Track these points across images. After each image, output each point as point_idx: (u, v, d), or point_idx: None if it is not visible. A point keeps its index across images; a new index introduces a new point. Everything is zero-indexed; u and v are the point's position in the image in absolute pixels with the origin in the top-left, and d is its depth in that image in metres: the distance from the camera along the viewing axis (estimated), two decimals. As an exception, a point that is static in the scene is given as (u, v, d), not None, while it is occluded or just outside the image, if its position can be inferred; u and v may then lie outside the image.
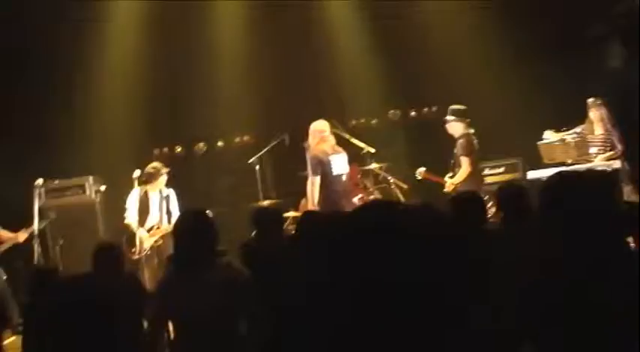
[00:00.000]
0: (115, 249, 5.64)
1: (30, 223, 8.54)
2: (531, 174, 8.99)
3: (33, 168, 9.48)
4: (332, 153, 8.27)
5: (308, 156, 8.29)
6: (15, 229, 8.57)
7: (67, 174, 9.87)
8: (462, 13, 10.56)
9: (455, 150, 8.62)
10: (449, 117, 8.69)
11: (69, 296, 3.79)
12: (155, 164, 8.77)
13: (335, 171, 8.21)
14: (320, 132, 8.37)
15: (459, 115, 8.66)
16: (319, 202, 8.04)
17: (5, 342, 5.64)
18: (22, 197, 8.87)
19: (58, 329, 3.59)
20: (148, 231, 8.56)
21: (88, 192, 9.77)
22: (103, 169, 10.14)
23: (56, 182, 9.69)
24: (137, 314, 4.74)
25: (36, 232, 8.49)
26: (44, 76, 10.38)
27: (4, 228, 8.56)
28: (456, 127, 8.64)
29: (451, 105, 8.75)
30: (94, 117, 10.61)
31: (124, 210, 8.70)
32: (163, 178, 8.66)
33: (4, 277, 8.29)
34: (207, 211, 7.60)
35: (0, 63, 10.06)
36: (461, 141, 8.57)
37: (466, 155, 8.48)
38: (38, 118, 10.45)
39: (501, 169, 9.69)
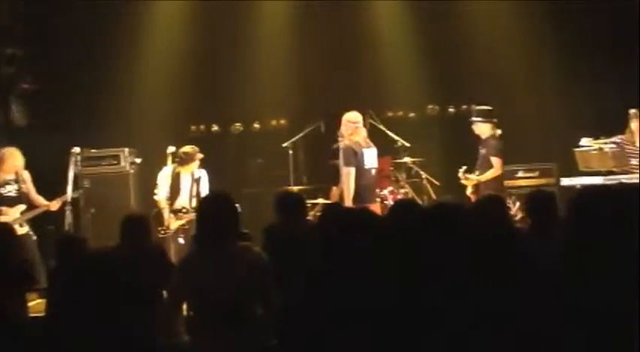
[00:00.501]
0: (143, 221, 5.74)
1: (64, 192, 8.66)
2: (565, 181, 8.91)
3: (72, 137, 9.63)
4: (365, 146, 8.22)
5: (341, 146, 8.28)
6: (50, 194, 8.70)
7: (104, 145, 9.99)
8: (508, 15, 10.49)
9: (481, 151, 8.57)
10: (475, 118, 8.66)
11: (95, 267, 3.89)
12: (189, 148, 8.78)
13: (366, 165, 8.16)
14: (354, 123, 8.32)
15: (486, 116, 8.63)
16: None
17: (30, 304, 5.75)
18: (59, 164, 9.00)
19: (81, 297, 3.70)
20: (176, 212, 8.66)
21: (122, 163, 9.85)
22: (140, 142, 10.26)
23: (92, 151, 9.80)
24: (160, 284, 4.84)
25: (69, 200, 8.61)
26: (89, 49, 10.55)
27: (40, 193, 8.70)
28: (482, 128, 8.62)
29: (489, 104, 8.70)
30: (135, 91, 10.77)
31: (155, 184, 8.81)
32: (196, 162, 8.73)
33: (35, 238, 8.44)
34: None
35: (46, 38, 10.25)
36: (491, 142, 8.55)
37: (498, 156, 8.45)
38: (81, 89, 10.65)
39: (535, 173, 9.62)
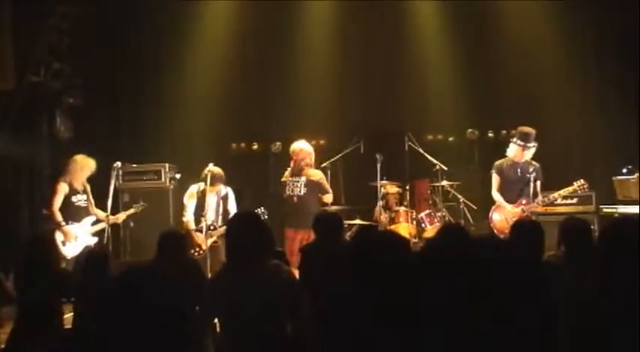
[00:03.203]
0: (180, 237, 5.81)
1: (129, 206, 8.95)
2: (605, 209, 8.82)
3: (114, 151, 9.78)
4: (290, 177, 8.65)
5: None
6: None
7: (145, 160, 10.14)
8: (552, 42, 10.47)
9: (529, 175, 8.22)
10: (533, 143, 8.31)
11: (125, 282, 3.91)
12: (210, 168, 8.65)
13: (286, 193, 8.62)
14: (293, 154, 8.78)
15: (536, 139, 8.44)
16: None
17: (66, 316, 5.82)
18: (101, 178, 9.10)
19: (110, 312, 3.72)
20: (205, 230, 8.59)
21: (163, 179, 9.99)
22: (181, 158, 10.38)
23: (134, 166, 9.95)
24: (194, 300, 4.89)
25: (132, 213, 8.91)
26: (134, 66, 10.75)
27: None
28: (532, 152, 8.39)
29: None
30: (178, 109, 10.92)
31: (183, 205, 8.91)
32: (220, 183, 8.68)
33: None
34: (260, 210, 7.88)
35: (92, 54, 10.47)
36: (537, 166, 8.34)
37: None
38: (125, 105, 10.86)
39: (574, 200, 9.43)
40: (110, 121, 10.86)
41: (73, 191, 8.50)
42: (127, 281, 3.83)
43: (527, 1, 10.61)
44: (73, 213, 8.47)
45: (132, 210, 8.95)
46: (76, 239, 8.35)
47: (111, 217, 8.46)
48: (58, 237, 8.27)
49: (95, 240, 8.48)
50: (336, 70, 10.99)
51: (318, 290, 4.59)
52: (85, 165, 8.58)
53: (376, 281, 3.43)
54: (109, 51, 10.67)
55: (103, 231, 8.48)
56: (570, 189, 8.18)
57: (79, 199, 8.53)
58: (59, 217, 8.37)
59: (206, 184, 8.54)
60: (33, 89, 9.92)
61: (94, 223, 8.59)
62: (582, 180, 8.13)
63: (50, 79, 9.97)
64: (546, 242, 5.05)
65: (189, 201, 8.78)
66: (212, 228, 8.57)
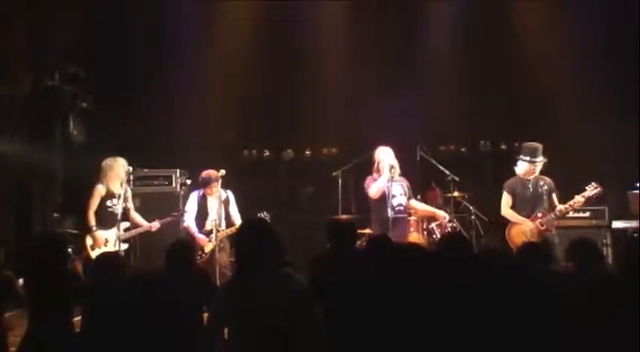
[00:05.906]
0: (188, 248, 5.80)
1: (164, 215, 8.84)
2: (617, 224, 8.76)
3: (126, 156, 9.78)
4: None
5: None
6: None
7: (156, 165, 10.15)
8: (565, 53, 10.44)
9: (540, 190, 8.04)
10: (541, 158, 8.09)
11: (135, 287, 3.91)
12: (208, 172, 8.78)
13: None
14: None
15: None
16: None
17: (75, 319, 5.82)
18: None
19: (119, 317, 3.71)
20: (207, 234, 8.71)
21: (173, 184, 9.99)
22: (193, 163, 10.37)
23: (145, 170, 9.96)
24: (202, 307, 4.89)
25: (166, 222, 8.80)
26: (148, 72, 10.76)
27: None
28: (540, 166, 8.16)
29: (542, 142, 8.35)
30: (189, 115, 10.92)
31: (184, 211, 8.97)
32: (218, 184, 8.73)
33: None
34: (264, 215, 7.83)
35: (107, 60, 10.51)
36: (549, 179, 8.21)
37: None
38: (137, 110, 10.88)
39: (586, 214, 9.36)
40: (122, 126, 10.88)
41: (109, 195, 8.49)
42: (135, 289, 3.84)
43: (543, 11, 10.58)
44: (103, 218, 8.45)
45: (168, 218, 8.87)
46: (105, 244, 8.35)
47: (145, 225, 8.65)
48: (88, 241, 8.36)
49: (125, 246, 8.46)
50: (349, 78, 11.01)
51: (330, 298, 4.58)
52: (113, 166, 8.58)
53: (401, 285, 3.44)
54: (123, 56, 10.70)
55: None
56: (585, 194, 7.88)
57: (114, 204, 8.45)
58: (92, 221, 8.38)
59: (203, 187, 8.74)
60: (48, 93, 9.97)
61: (127, 229, 8.57)
62: (594, 183, 7.89)
63: (65, 83, 10.01)
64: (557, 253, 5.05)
65: (190, 207, 8.90)
66: (215, 231, 8.57)
